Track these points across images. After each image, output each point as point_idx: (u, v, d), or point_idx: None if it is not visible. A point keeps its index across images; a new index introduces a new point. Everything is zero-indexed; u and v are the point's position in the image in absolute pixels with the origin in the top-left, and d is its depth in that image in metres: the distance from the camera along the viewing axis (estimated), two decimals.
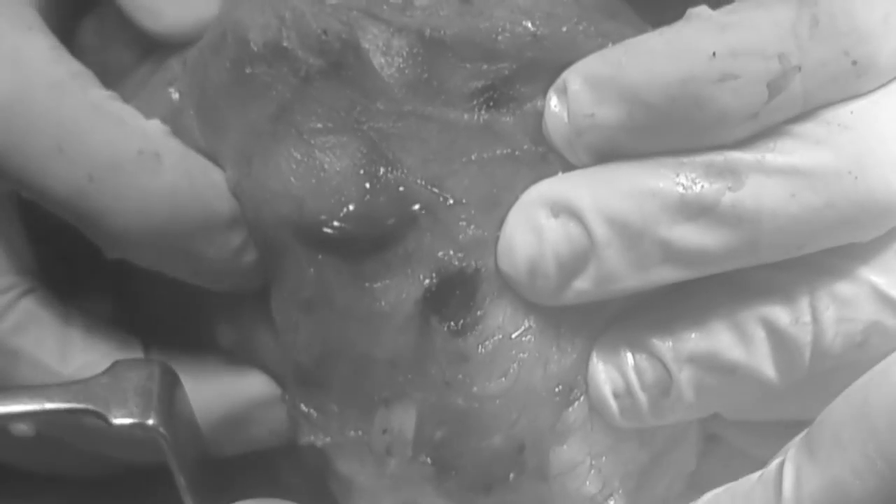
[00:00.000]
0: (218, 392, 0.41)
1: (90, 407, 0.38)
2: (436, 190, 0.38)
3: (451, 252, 0.38)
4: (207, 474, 0.40)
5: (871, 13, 0.37)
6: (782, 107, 0.36)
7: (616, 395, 0.38)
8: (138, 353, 0.41)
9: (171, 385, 0.39)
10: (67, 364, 0.40)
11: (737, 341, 0.38)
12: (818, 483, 0.35)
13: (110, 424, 0.38)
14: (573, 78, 0.37)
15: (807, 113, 0.37)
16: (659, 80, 0.36)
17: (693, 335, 0.38)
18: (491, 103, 0.38)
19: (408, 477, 0.39)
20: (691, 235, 0.37)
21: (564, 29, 0.39)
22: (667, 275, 0.37)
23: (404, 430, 0.39)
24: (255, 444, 0.42)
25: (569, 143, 0.38)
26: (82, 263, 0.42)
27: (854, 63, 0.37)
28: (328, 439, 0.40)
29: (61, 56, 0.39)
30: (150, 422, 0.38)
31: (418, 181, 0.38)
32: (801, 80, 0.36)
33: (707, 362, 0.38)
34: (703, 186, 0.37)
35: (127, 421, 0.38)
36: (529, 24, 0.38)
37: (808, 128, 0.37)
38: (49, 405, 0.38)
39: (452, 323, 0.38)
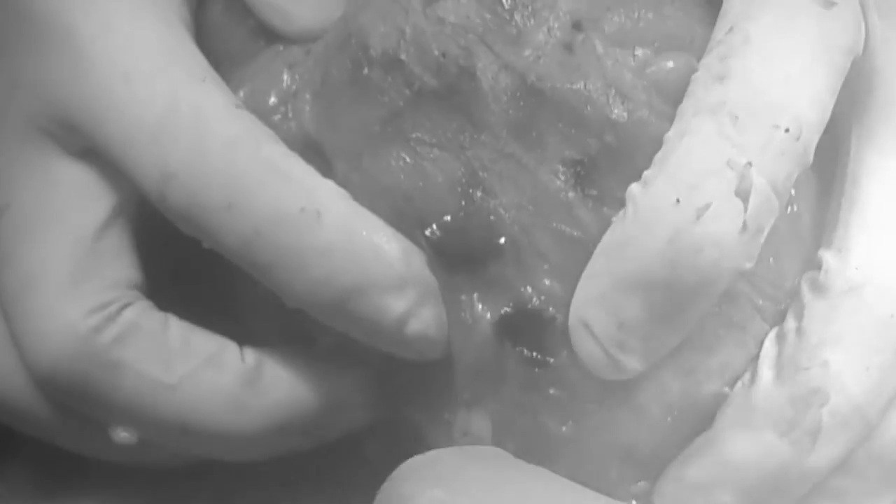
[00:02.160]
0: (316, 384, 0.42)
1: None
2: (523, 234, 0.39)
3: (531, 290, 0.39)
4: None
5: (773, 81, 0.37)
6: (760, 205, 0.37)
7: None
8: (235, 357, 0.41)
9: None
10: (171, 373, 0.40)
11: None
12: None
13: None
14: (583, 312, 0.38)
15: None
16: (650, 253, 0.36)
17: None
18: (578, 180, 0.39)
19: None
20: (816, 459, 0.38)
21: (634, 116, 0.38)
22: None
23: (483, 438, 0.40)
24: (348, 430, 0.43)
25: (613, 362, 0.38)
26: (188, 276, 0.43)
27: (786, 130, 0.37)
28: (421, 417, 0.41)
29: (237, 112, 0.40)
30: None
31: (509, 219, 0.39)
32: (758, 172, 0.36)
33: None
34: (802, 422, 0.38)
35: None
36: (607, 105, 0.38)
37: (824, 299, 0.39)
38: None
39: (526, 351, 0.39)
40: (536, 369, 0.39)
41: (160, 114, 0.39)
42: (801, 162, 0.38)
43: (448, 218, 0.39)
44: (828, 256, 0.39)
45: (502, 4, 0.39)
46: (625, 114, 0.38)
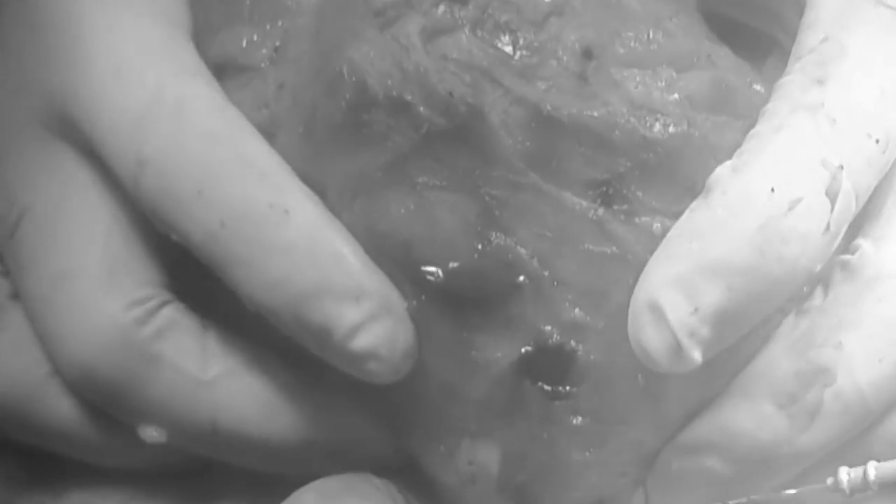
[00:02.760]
0: (345, 408, 0.42)
1: None
2: (544, 267, 0.38)
3: (552, 327, 0.38)
4: None
5: (869, 93, 0.39)
6: (844, 208, 0.37)
7: None
8: (274, 365, 0.41)
9: None
10: (207, 370, 0.40)
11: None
12: None
13: None
14: (654, 293, 0.37)
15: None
16: (739, 238, 0.36)
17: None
18: (606, 199, 0.38)
19: (490, 501, 0.40)
20: (810, 439, 0.38)
21: (672, 130, 0.38)
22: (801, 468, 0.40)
23: (489, 467, 0.40)
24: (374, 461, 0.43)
25: (678, 355, 0.37)
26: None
27: (877, 142, 0.38)
28: (415, 444, 0.41)
29: (221, 106, 0.40)
30: None
31: (527, 254, 0.38)
32: (847, 176, 0.37)
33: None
34: (802, 398, 0.38)
35: None
36: (639, 125, 0.38)
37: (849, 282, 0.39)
38: None
39: (546, 386, 0.38)
40: (557, 402, 0.38)
41: (145, 104, 0.39)
42: (881, 174, 0.39)
43: (458, 263, 0.38)
44: (864, 243, 0.39)
45: (503, 39, 0.39)
46: (663, 130, 0.38)
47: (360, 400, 0.42)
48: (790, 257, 0.37)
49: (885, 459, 0.39)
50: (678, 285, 0.37)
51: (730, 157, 0.38)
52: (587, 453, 0.39)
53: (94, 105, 0.40)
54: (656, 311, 0.37)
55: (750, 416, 0.39)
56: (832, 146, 0.37)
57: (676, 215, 0.38)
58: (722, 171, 0.37)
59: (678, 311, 0.36)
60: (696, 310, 0.36)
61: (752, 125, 0.39)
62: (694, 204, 0.38)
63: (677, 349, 0.37)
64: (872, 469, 0.38)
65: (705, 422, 0.39)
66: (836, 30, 0.39)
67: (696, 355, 0.37)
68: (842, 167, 0.37)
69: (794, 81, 0.39)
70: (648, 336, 0.37)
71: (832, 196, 0.37)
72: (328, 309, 0.38)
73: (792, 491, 0.40)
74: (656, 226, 0.38)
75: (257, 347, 0.41)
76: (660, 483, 0.40)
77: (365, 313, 0.38)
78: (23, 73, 0.42)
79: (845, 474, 0.38)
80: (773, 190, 0.37)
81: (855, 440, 0.40)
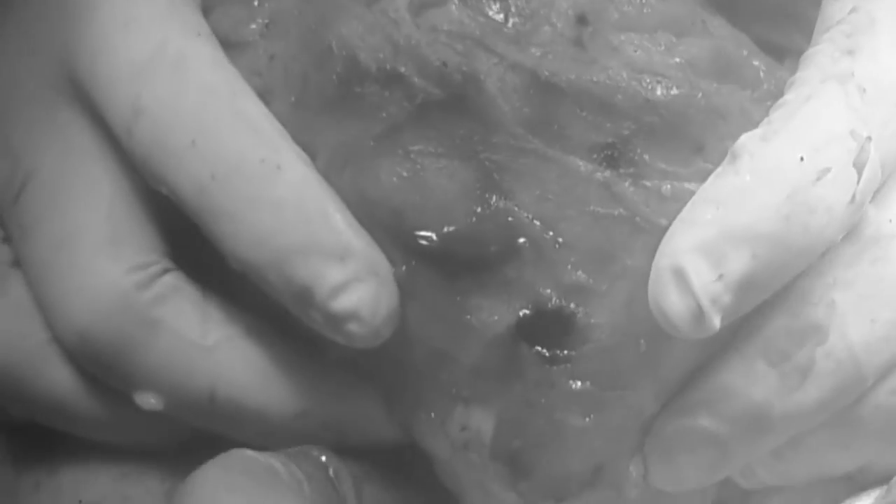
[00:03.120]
0: (341, 380, 0.42)
1: None
2: (546, 229, 0.38)
3: (551, 290, 0.38)
4: None
5: None
6: (870, 179, 0.38)
7: None
8: (273, 334, 0.41)
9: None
10: (207, 337, 0.40)
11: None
12: None
13: None
14: (678, 258, 0.37)
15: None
16: (766, 207, 0.37)
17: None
18: (612, 162, 0.38)
19: (483, 469, 0.40)
20: (802, 397, 0.38)
21: (675, 92, 0.38)
22: (792, 432, 0.40)
23: (482, 433, 0.40)
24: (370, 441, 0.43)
25: (699, 320, 0.37)
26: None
27: None
28: (405, 414, 0.41)
29: (222, 65, 0.40)
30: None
31: (528, 216, 0.38)
32: (875, 147, 0.37)
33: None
34: (794, 356, 0.38)
35: None
36: (642, 88, 0.38)
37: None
38: None
39: (544, 350, 0.38)
40: (555, 367, 0.38)
41: (147, 56, 0.39)
42: None
43: (454, 227, 0.38)
44: (868, 207, 0.39)
45: (494, 7, 0.39)
46: (666, 92, 0.38)
47: (355, 373, 0.42)
48: (816, 227, 0.37)
49: (879, 430, 0.39)
50: (703, 251, 0.37)
51: (739, 122, 0.39)
52: (586, 419, 0.39)
53: (97, 57, 0.40)
54: (679, 275, 0.37)
55: (742, 374, 0.39)
56: (861, 117, 0.38)
57: (685, 177, 0.38)
58: (749, 138, 0.38)
59: (702, 277, 0.37)
60: (720, 277, 0.37)
61: (761, 96, 0.39)
62: (719, 170, 0.38)
63: (699, 315, 0.37)
64: None
65: (699, 382, 0.39)
66: (863, 1, 0.40)
67: (716, 322, 0.37)
68: (870, 138, 0.37)
69: (823, 51, 0.39)
70: (670, 301, 0.37)
71: (859, 167, 0.37)
72: (312, 267, 0.38)
73: None
74: (665, 187, 0.38)
75: (256, 318, 0.41)
76: (657, 447, 0.40)
77: (349, 273, 0.38)
78: (31, 34, 0.42)
79: None
80: (801, 159, 0.37)
81: (850, 410, 0.40)
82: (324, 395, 0.41)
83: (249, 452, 0.38)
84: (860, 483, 0.42)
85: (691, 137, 0.39)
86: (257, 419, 0.41)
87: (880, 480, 0.42)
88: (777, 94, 0.40)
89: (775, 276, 0.37)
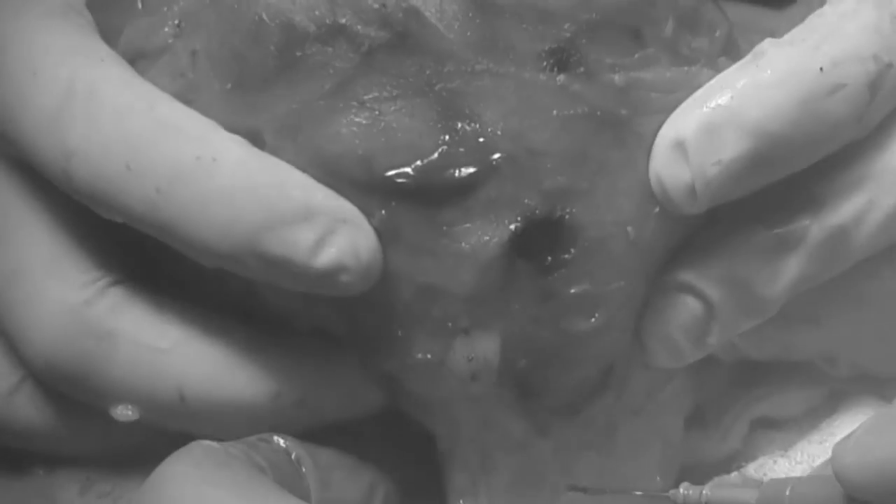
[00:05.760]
0: (307, 354, 0.42)
1: None
2: (516, 141, 0.39)
3: (536, 199, 0.39)
4: None
5: None
6: (881, 106, 0.39)
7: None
8: (230, 325, 0.41)
9: None
10: (165, 339, 0.41)
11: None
12: None
13: None
14: (684, 132, 0.39)
15: None
16: (780, 108, 0.38)
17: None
18: (562, 65, 0.39)
19: (489, 397, 0.40)
20: (791, 266, 0.40)
21: None
22: (778, 303, 0.41)
23: (490, 359, 0.40)
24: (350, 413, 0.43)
25: (692, 196, 0.39)
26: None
27: None
28: (397, 363, 0.41)
29: (132, 82, 0.40)
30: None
31: (497, 132, 0.39)
32: (893, 76, 0.39)
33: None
34: (788, 224, 0.40)
35: None
36: None
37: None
38: None
39: (540, 260, 0.39)
40: (552, 276, 0.39)
41: (60, 98, 0.40)
42: None
43: (426, 158, 0.39)
44: None
45: None
46: None
47: (330, 343, 0.42)
48: (819, 138, 0.39)
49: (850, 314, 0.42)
50: (708, 132, 0.38)
51: (666, 4, 0.40)
52: (592, 320, 0.39)
53: (16, 111, 0.41)
54: (681, 149, 0.39)
55: (733, 240, 0.40)
56: (888, 44, 0.39)
57: (632, 66, 0.40)
58: (777, 42, 0.39)
59: (702, 157, 0.38)
60: (719, 161, 0.38)
61: None
62: (743, 61, 0.39)
63: (692, 192, 0.38)
64: (707, 491, 0.40)
65: (689, 251, 0.41)
66: None
67: (707, 202, 0.39)
68: (891, 65, 0.39)
69: None
70: (669, 172, 0.39)
71: (874, 90, 0.39)
72: (282, 238, 0.38)
73: (638, 493, 0.42)
74: (617, 78, 0.40)
75: (214, 312, 0.42)
76: (651, 322, 0.41)
77: (320, 229, 0.38)
78: None
79: (684, 489, 0.40)
80: (821, 70, 0.38)
81: (831, 284, 0.42)
82: (295, 372, 0.41)
83: (208, 443, 0.38)
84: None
85: (628, 27, 0.40)
86: (232, 409, 0.41)
87: (845, 382, 0.45)
88: None
89: (771, 171, 0.39)
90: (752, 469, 0.44)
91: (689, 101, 0.39)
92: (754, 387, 0.45)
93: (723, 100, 0.39)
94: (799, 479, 0.38)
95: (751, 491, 0.38)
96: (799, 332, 0.43)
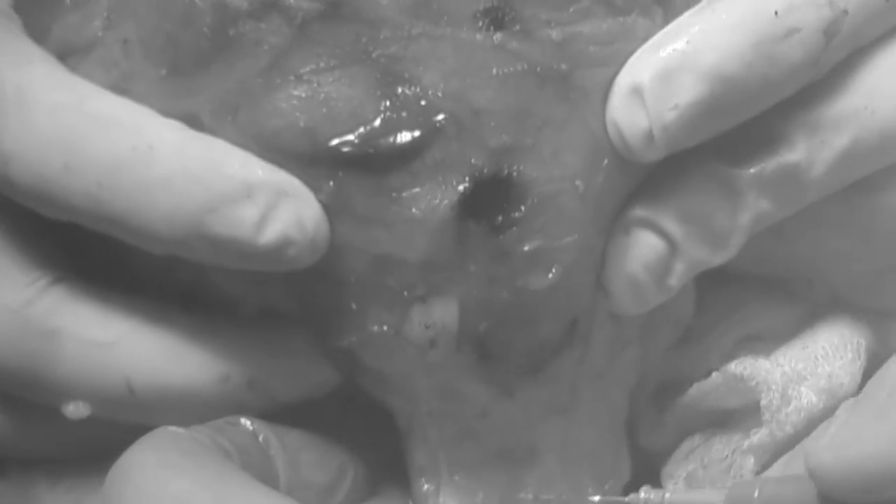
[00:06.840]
0: (256, 335, 0.42)
1: None
2: (459, 102, 0.39)
3: (482, 158, 0.39)
4: None
5: None
6: (836, 51, 0.40)
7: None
8: (175, 313, 0.41)
9: None
10: (108, 332, 0.41)
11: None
12: None
13: None
14: (641, 77, 0.39)
15: None
16: (734, 50, 0.38)
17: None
18: (498, 24, 0.39)
19: (448, 364, 0.40)
20: (749, 204, 0.40)
21: None
22: (738, 240, 0.41)
23: (448, 325, 0.40)
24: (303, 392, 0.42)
25: (650, 141, 0.39)
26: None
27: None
28: (353, 338, 0.40)
29: (60, 78, 0.40)
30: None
31: (438, 94, 0.38)
32: (849, 23, 0.39)
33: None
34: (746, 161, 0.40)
35: None
36: None
37: None
38: None
39: (492, 220, 0.39)
40: (504, 234, 0.39)
41: None
42: (881, 29, 0.41)
43: (369, 126, 0.38)
44: None
45: None
46: None
47: (275, 327, 0.42)
48: (774, 81, 0.39)
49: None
50: (664, 77, 0.39)
51: None
52: (549, 276, 0.39)
53: None
54: (638, 95, 0.39)
55: (689, 176, 0.40)
56: None
57: (567, 21, 0.40)
58: None
59: (658, 103, 0.38)
60: (675, 106, 0.38)
61: None
62: (697, 7, 0.40)
63: (649, 137, 0.39)
64: (669, 494, 0.40)
65: (643, 193, 0.41)
66: None
67: (665, 148, 0.39)
68: (846, 12, 0.39)
69: None
70: (625, 118, 0.39)
71: (829, 36, 0.39)
72: (225, 218, 0.38)
73: (595, 498, 0.42)
74: (554, 34, 0.39)
75: (159, 302, 0.41)
76: (611, 268, 0.41)
77: (262, 205, 0.38)
78: None
79: (644, 493, 0.40)
80: (776, 13, 0.39)
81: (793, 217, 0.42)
82: (243, 353, 0.41)
83: (174, 429, 0.38)
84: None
85: None
86: (182, 396, 0.41)
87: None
88: None
89: (726, 116, 0.39)
90: (732, 366, 0.44)
91: (646, 46, 0.40)
92: (740, 307, 0.46)
93: (678, 45, 0.39)
94: (767, 479, 0.39)
95: (716, 493, 0.39)
96: (764, 240, 0.43)
